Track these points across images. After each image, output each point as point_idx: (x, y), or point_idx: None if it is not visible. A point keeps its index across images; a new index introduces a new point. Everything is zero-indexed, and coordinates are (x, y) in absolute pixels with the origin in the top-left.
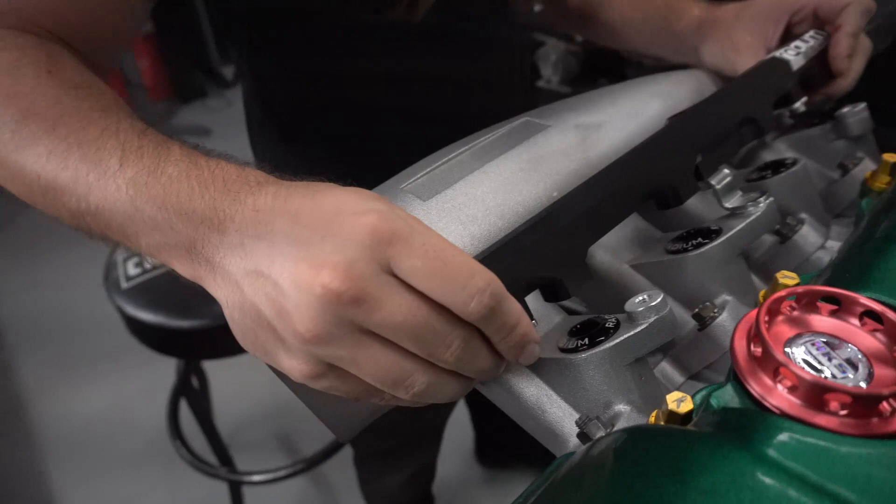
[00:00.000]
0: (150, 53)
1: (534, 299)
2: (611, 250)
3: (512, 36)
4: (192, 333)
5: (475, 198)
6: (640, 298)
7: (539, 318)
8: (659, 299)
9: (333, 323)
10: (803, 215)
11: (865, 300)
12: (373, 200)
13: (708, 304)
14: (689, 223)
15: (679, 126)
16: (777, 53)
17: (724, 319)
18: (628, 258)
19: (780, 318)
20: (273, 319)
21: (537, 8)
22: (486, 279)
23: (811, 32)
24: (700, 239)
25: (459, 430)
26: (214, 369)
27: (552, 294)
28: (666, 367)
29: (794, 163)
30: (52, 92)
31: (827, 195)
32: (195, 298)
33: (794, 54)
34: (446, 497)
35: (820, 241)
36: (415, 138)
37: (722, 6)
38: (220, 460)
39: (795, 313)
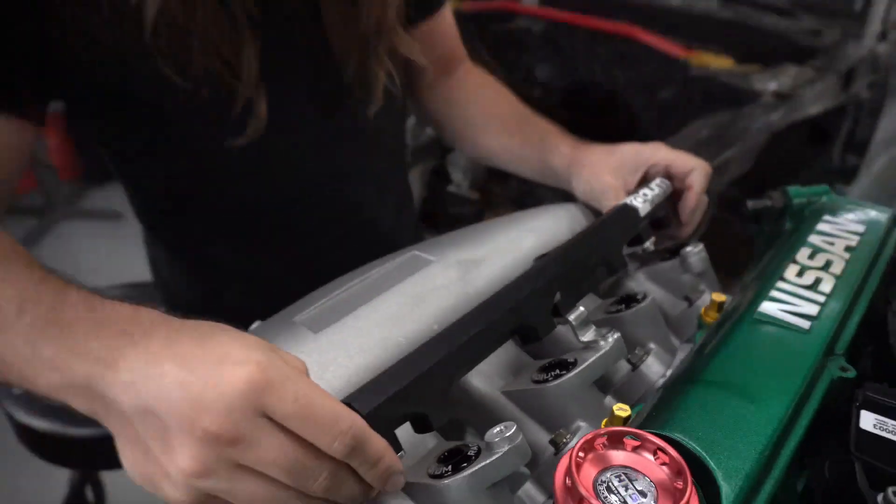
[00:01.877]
0: (57, 132)
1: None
2: (486, 376)
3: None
4: (90, 441)
5: (362, 331)
6: (498, 429)
7: (414, 444)
8: (512, 430)
9: (213, 460)
10: (651, 345)
11: (654, 439)
12: (255, 350)
13: (562, 430)
14: (558, 351)
15: (541, 268)
16: (629, 200)
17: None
18: (500, 384)
19: (592, 455)
20: (160, 455)
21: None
22: (349, 422)
23: (657, 180)
24: (558, 371)
25: None
26: (115, 480)
27: (420, 427)
28: (530, 488)
29: (644, 298)
30: None
31: (676, 323)
32: None
33: (642, 202)
34: None
35: (663, 371)
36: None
37: (589, 148)
38: None
39: (605, 450)
